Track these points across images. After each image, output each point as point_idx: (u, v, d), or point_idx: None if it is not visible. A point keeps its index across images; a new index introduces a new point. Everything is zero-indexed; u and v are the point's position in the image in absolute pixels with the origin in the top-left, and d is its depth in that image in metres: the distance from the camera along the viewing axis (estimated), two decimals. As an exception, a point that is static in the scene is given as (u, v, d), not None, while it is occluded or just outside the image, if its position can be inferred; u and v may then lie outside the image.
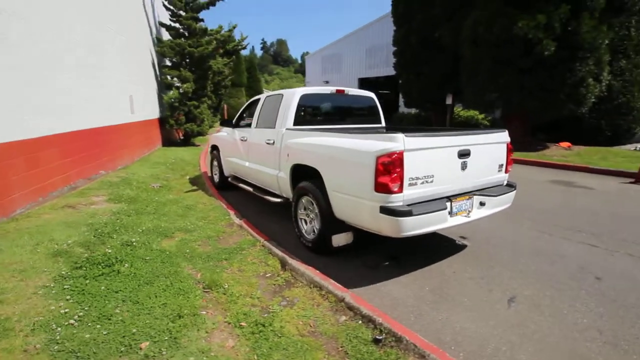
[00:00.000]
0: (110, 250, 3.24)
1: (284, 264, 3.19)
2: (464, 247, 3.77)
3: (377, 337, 2.17)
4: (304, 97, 4.22)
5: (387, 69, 24.04)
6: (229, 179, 5.98)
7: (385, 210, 2.66)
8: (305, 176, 3.73)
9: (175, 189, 6.24)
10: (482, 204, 3.23)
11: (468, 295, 2.81)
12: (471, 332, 2.33)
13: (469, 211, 3.11)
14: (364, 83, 27.30)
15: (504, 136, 3.49)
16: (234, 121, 5.65)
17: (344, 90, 4.62)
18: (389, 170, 2.62)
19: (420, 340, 2.07)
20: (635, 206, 5.35)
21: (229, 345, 2.13)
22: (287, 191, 4.11)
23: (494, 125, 13.04)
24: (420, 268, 3.28)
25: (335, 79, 28.41)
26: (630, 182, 6.79)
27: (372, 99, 4.90)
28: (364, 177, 2.78)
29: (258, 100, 5.17)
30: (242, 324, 2.34)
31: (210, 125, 13.17)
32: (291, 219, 3.87)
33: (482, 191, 3.29)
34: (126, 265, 2.96)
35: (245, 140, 5.06)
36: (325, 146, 3.23)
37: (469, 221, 3.12)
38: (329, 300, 2.60)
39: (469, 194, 3.17)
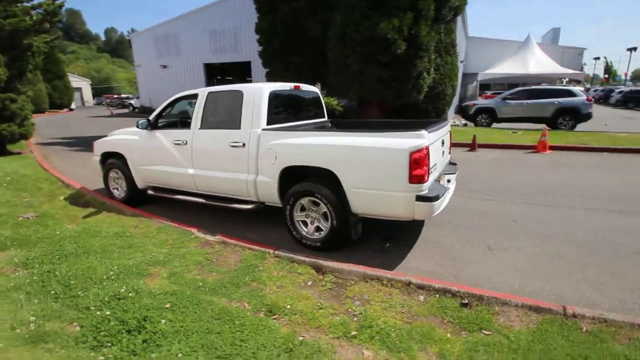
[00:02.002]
0: (110, 312, 2.38)
1: (318, 269, 3.15)
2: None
3: (463, 302, 2.59)
4: (272, 95, 3.99)
5: (235, 55, 23.55)
6: (148, 191, 4.96)
7: (421, 198, 3.05)
8: (296, 178, 3.66)
9: (65, 217, 4.70)
10: (448, 181, 4.03)
11: (463, 252, 3.57)
12: (492, 279, 3.05)
13: (448, 188, 3.86)
14: (210, 69, 25.80)
15: (449, 125, 4.38)
16: (149, 121, 4.67)
17: (299, 86, 4.59)
18: (420, 163, 3.00)
19: (495, 293, 2.62)
20: (492, 169, 7.57)
21: (368, 357, 2.12)
22: (268, 196, 3.89)
23: (349, 111, 14.98)
24: (414, 242, 3.86)
25: (175, 63, 25.76)
26: (467, 151, 9.43)
27: (317, 92, 5.03)
28: (396, 172, 3.05)
29: (194, 96, 4.46)
30: (353, 333, 2.32)
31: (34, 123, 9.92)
32: (268, 223, 3.72)
33: (446, 170, 4.10)
34: (162, 321, 2.28)
35: (185, 144, 4.33)
36: (342, 146, 3.28)
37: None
38: (395, 287, 2.83)
39: (444, 174, 3.91)
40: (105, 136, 5.60)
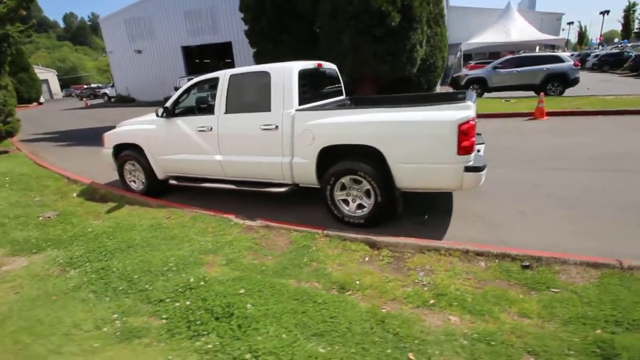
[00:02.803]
0: (190, 302, 2.37)
1: (372, 244, 3.20)
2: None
3: (523, 264, 2.72)
4: (300, 74, 3.90)
5: (213, 36, 22.70)
6: (170, 182, 4.84)
7: (469, 168, 3.11)
8: (332, 157, 3.65)
9: (87, 213, 4.55)
10: (478, 151, 4.11)
11: (500, 219, 3.70)
12: (537, 241, 3.19)
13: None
14: (188, 52, 24.78)
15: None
16: (166, 109, 4.50)
17: (322, 64, 4.49)
18: (468, 134, 3.04)
19: (552, 254, 2.75)
20: (498, 138, 7.73)
21: (456, 322, 2.21)
22: (304, 177, 3.87)
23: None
24: (449, 213, 3.96)
25: (150, 48, 24.63)
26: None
27: (336, 70, 4.95)
28: (445, 145, 3.09)
29: (213, 80, 4.30)
30: (431, 301, 2.40)
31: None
32: (299, 204, 3.72)
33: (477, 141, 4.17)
34: (248, 306, 2.29)
35: (210, 130, 4.21)
36: (387, 122, 3.26)
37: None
38: (454, 256, 2.93)
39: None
40: (113, 127, 5.38)
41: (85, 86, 45.70)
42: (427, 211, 4.00)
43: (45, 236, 3.77)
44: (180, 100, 4.56)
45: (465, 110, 3.06)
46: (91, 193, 5.35)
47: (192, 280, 2.64)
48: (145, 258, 3.08)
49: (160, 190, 5.10)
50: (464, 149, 3.06)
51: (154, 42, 24.22)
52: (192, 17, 22.51)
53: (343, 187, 3.70)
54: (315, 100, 4.31)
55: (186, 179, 4.74)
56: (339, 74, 5.01)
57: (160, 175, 4.88)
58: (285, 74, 3.82)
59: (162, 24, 23.45)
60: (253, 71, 4.07)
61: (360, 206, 3.69)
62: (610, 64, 28.37)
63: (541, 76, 12.70)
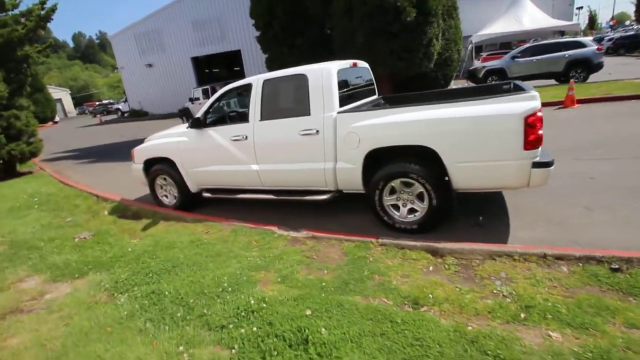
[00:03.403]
0: (257, 328, 2.18)
1: (434, 252, 2.97)
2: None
3: (612, 267, 2.45)
4: (339, 74, 3.71)
5: (222, 45, 22.79)
6: (204, 194, 4.69)
7: (537, 164, 2.86)
8: (378, 161, 3.43)
9: (122, 232, 4.43)
10: None
11: (563, 216, 3.42)
12: (615, 239, 2.91)
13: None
14: (197, 63, 24.95)
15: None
16: (197, 120, 4.35)
17: (357, 63, 4.30)
18: (535, 127, 2.79)
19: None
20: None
21: (558, 338, 1.96)
22: (349, 183, 3.66)
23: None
24: (504, 212, 3.70)
25: (160, 61, 24.87)
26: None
27: (369, 69, 4.74)
28: (510, 140, 2.84)
29: (246, 87, 4.14)
30: (522, 315, 2.16)
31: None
32: (340, 210, 3.55)
33: None
34: (322, 330, 2.09)
35: (245, 139, 4.04)
36: (442, 119, 3.03)
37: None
38: (530, 261, 2.67)
39: None
40: (134, 142, 5.27)
41: (97, 103, 46.56)
42: (479, 211, 3.75)
43: (84, 259, 3.65)
44: (211, 109, 4.41)
45: (532, 101, 2.81)
46: (123, 210, 5.25)
47: (252, 301, 2.46)
48: (195, 278, 2.91)
49: (194, 203, 4.96)
50: (531, 144, 2.81)
51: (164, 55, 24.45)
52: (200, 27, 22.66)
53: (392, 192, 3.48)
54: (352, 101, 4.10)
55: (221, 190, 4.59)
56: (371, 72, 4.80)
57: (193, 188, 4.74)
58: (324, 75, 3.63)
59: (171, 36, 23.66)
60: (288, 74, 3.89)
61: (411, 211, 3.46)
62: (627, 46, 27.50)
63: (563, 63, 12.26)
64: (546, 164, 2.87)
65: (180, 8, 22.74)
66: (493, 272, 2.65)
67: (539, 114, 2.79)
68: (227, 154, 4.22)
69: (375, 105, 4.45)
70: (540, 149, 2.89)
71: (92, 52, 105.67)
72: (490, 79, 13.40)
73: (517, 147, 2.84)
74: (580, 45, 12.24)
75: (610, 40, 29.73)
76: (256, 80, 4.04)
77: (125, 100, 29.63)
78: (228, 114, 4.45)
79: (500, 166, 2.95)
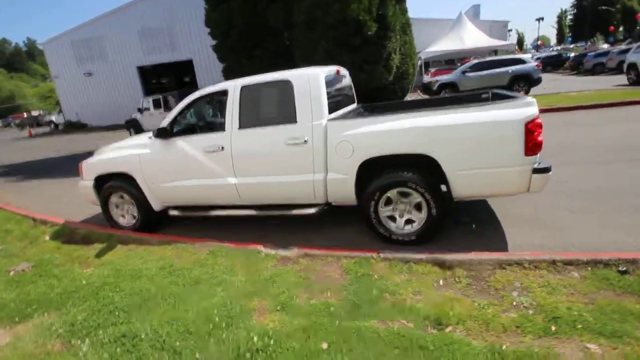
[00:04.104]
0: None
1: (441, 264, 2.80)
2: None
3: (620, 269, 2.45)
4: (327, 81, 3.48)
5: (172, 54, 21.76)
6: (171, 212, 4.15)
7: (537, 170, 2.84)
8: (375, 169, 3.25)
9: (70, 261, 3.74)
10: None
11: (552, 220, 3.47)
12: (606, 240, 2.97)
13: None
14: (144, 72, 23.48)
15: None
16: (163, 129, 3.84)
17: (340, 70, 4.11)
18: (535, 133, 2.78)
19: (647, 255, 2.51)
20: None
21: (597, 350, 1.84)
22: (340, 195, 3.42)
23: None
24: (494, 218, 3.69)
25: (102, 69, 23.06)
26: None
27: (349, 77, 4.59)
28: (511, 146, 2.80)
29: (221, 93, 3.76)
30: (553, 328, 2.03)
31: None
32: (326, 223, 3.43)
33: None
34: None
35: (222, 150, 3.64)
36: (442, 126, 2.91)
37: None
38: (541, 268, 2.59)
39: None
40: (82, 156, 4.59)
41: (25, 114, 41.81)
42: (469, 217, 3.71)
43: (25, 297, 2.96)
44: (178, 118, 3.94)
45: (530, 107, 2.80)
46: (68, 234, 4.48)
47: (254, 338, 2.07)
48: (175, 314, 2.44)
49: (157, 223, 4.38)
50: (532, 149, 2.79)
51: (105, 63, 22.66)
52: (147, 35, 21.38)
53: (388, 202, 3.29)
54: (336, 109, 3.89)
55: (191, 208, 4.09)
56: (351, 80, 4.66)
57: (157, 206, 4.17)
58: (311, 81, 3.39)
59: (115, 44, 22.04)
60: (269, 80, 3.58)
61: (408, 221, 3.29)
62: (552, 64, 30.94)
63: (507, 78, 13.29)
64: (545, 170, 2.86)
65: (124, 15, 21.32)
66: (507, 283, 2.53)
67: (539, 120, 2.79)
68: (200, 166, 3.77)
69: (359, 113, 4.30)
70: (539, 155, 2.89)
71: (19, 60, 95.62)
72: (443, 91, 14.12)
73: (518, 153, 2.80)
74: (522, 62, 13.40)
75: (537, 59, 33.25)
76: (232, 86, 3.68)
77: (60, 112, 26.90)
78: (201, 122, 4.01)
79: (501, 173, 2.89)
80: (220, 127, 3.72)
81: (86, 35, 22.32)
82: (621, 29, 39.30)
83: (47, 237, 4.47)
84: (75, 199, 5.43)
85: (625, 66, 14.80)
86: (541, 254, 2.73)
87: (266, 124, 3.56)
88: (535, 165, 2.85)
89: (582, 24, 40.68)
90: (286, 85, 3.44)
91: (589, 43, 36.72)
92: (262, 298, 2.61)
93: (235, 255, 3.33)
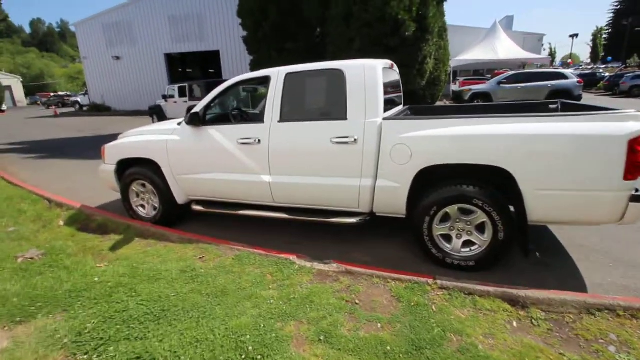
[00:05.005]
0: None
1: (513, 301, 2.34)
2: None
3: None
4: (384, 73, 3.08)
5: (200, 44, 21.67)
6: (195, 207, 3.81)
7: (636, 197, 2.36)
8: (430, 181, 2.82)
9: (83, 251, 3.43)
10: None
11: (631, 254, 2.97)
12: None
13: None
14: (171, 60, 23.52)
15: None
16: (194, 115, 3.49)
17: (393, 65, 3.71)
18: (639, 154, 2.30)
19: None
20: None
21: None
22: (389, 205, 3.00)
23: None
24: (559, 246, 3.21)
25: (130, 54, 23.20)
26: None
27: (397, 72, 4.17)
28: (608, 166, 2.33)
29: (262, 80, 3.40)
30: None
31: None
32: (366, 236, 2.92)
33: None
34: None
35: (258, 144, 3.27)
36: (523, 136, 2.46)
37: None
38: (638, 318, 2.13)
39: None
40: (106, 139, 4.30)
41: (52, 94, 42.74)
42: (530, 244, 3.23)
43: (31, 291, 2.64)
44: (212, 104, 3.59)
45: (636, 121, 2.32)
46: (84, 221, 4.19)
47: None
48: (199, 333, 2.06)
49: (177, 218, 4.05)
50: (633, 172, 2.32)
51: (134, 48, 22.78)
52: (177, 22, 21.36)
53: (444, 219, 2.86)
54: (386, 109, 3.48)
55: (217, 204, 3.73)
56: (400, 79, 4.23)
57: (180, 199, 3.84)
58: (367, 73, 2.98)
59: (144, 29, 22.12)
60: (318, 69, 3.19)
61: (467, 243, 2.85)
62: (585, 83, 29.65)
63: (546, 92, 12.61)
64: (649, 198, 2.38)
65: (156, 1, 21.36)
66: (599, 333, 2.07)
67: (645, 137, 2.31)
68: (232, 159, 3.40)
69: (414, 115, 3.88)
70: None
71: (51, 40, 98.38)
72: (476, 101, 13.51)
73: (616, 176, 2.33)
74: (563, 76, 12.69)
75: (579, 75, 32.04)
76: (277, 72, 3.30)
77: (86, 93, 27.25)
78: (237, 111, 3.65)
79: (592, 197, 2.41)
80: (259, 118, 3.36)
81: (117, 19, 22.48)
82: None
83: (62, 222, 4.19)
84: (95, 182, 5.18)
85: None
86: (637, 300, 2.25)
87: (311, 118, 3.18)
88: (634, 192, 2.37)
89: (619, 44, 39.07)
90: (338, 76, 3.05)
91: (626, 64, 35.21)
92: (300, 322, 2.21)
93: (264, 264, 2.95)
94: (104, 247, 3.49)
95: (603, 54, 41.10)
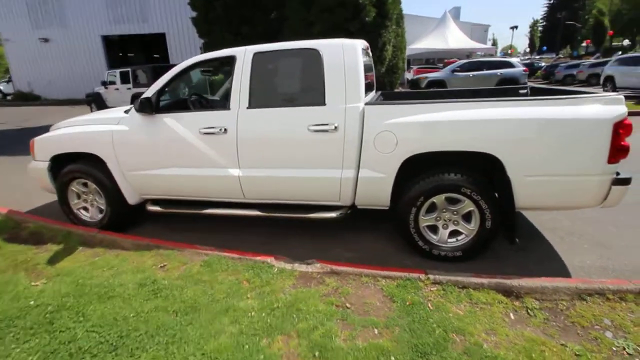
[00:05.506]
0: None
1: (507, 292, 2.27)
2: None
3: None
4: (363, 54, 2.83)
5: (142, 25, 19.93)
6: (149, 208, 3.34)
7: (618, 180, 2.37)
8: (414, 170, 2.67)
9: (13, 265, 2.85)
10: None
11: (606, 237, 3.08)
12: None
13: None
14: (109, 43, 21.39)
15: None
16: (146, 101, 3.00)
17: (368, 46, 3.46)
18: (622, 136, 2.30)
19: None
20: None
21: None
22: (371, 197, 2.81)
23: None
24: (535, 231, 3.25)
25: (61, 36, 20.75)
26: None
27: (370, 55, 3.94)
28: (594, 150, 2.31)
29: (226, 60, 3.00)
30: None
31: None
32: (344, 230, 2.78)
33: None
34: None
35: (224, 133, 2.88)
36: (513, 120, 2.35)
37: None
38: (628, 300, 2.14)
39: None
40: (36, 132, 3.64)
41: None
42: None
43: (-60, 324, 2.09)
44: (167, 89, 3.12)
45: (619, 105, 2.31)
46: (12, 229, 3.52)
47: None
48: (170, 363, 1.72)
49: (129, 220, 3.55)
50: (616, 156, 2.32)
51: (65, 29, 20.29)
52: (115, 1, 19.33)
53: (430, 209, 2.72)
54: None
55: (177, 203, 3.30)
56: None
57: (132, 199, 3.34)
58: (347, 53, 2.71)
59: (77, 8, 19.74)
60: (291, 48, 2.87)
61: (453, 234, 2.75)
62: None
63: (495, 80, 13.23)
64: (626, 181, 2.40)
65: (89, -24, 19.13)
66: (594, 319, 2.05)
67: (627, 121, 2.31)
68: (193, 152, 2.99)
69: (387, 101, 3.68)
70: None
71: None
72: (432, 89, 13.84)
73: (601, 160, 2.32)
74: (511, 65, 13.38)
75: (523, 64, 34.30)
76: (243, 52, 2.92)
77: (9, 80, 24.00)
78: (196, 96, 3.21)
79: (578, 181, 2.39)
80: (223, 104, 2.98)
81: (43, -4, 19.84)
82: (583, 44, 41.51)
83: (-18, 232, 3.49)
84: (25, 182, 4.43)
85: (602, 78, 15.28)
86: (623, 282, 2.28)
87: (284, 103, 2.86)
88: (619, 176, 2.39)
89: (553, 36, 42.50)
90: (313, 56, 2.75)
91: (559, 55, 38.43)
92: (288, 336, 1.94)
93: (238, 268, 2.63)
94: (40, 261, 2.92)
95: (539, 44, 44.66)
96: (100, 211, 3.47)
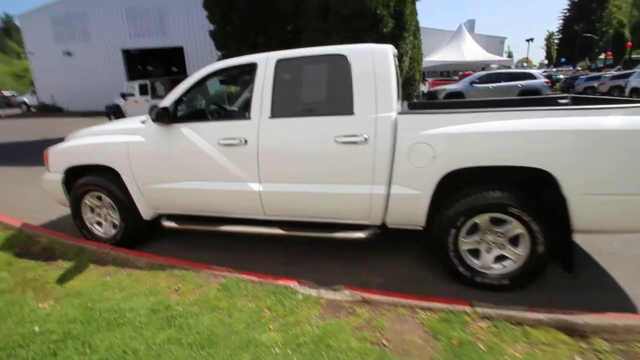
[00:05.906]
0: None
1: (569, 330, 1.95)
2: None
3: None
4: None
5: (162, 39, 20.36)
6: (165, 223, 3.15)
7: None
8: (452, 187, 2.41)
9: (23, 284, 2.70)
10: None
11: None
12: None
13: None
14: (129, 57, 21.94)
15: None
16: (164, 111, 2.84)
17: (396, 53, 3.25)
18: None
19: None
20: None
21: None
22: (405, 216, 2.55)
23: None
24: (584, 251, 2.91)
25: (83, 50, 21.37)
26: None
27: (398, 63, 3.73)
28: (669, 166, 2.01)
29: (247, 68, 2.83)
30: None
31: None
32: (371, 252, 2.57)
33: None
34: None
35: (244, 144, 2.69)
36: (569, 132, 2.09)
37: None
38: None
39: None
40: (61, 140, 3.53)
41: (-6, 93, 38.67)
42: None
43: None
44: (185, 98, 2.96)
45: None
46: (24, 243, 3.39)
47: None
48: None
49: (143, 236, 3.38)
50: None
51: (88, 43, 20.96)
52: (136, 16, 19.88)
53: (472, 231, 2.44)
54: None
55: (193, 219, 3.10)
56: (398, 70, 3.80)
57: (147, 214, 3.16)
58: (377, 59, 2.51)
59: (99, 22, 20.39)
60: (317, 55, 2.68)
61: (499, 259, 2.45)
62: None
63: (516, 91, 12.87)
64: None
65: (113, -8, 19.78)
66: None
67: (703, 133, 2.01)
68: (211, 164, 2.80)
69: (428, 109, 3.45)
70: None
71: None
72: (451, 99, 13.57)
73: (675, 176, 2.02)
74: (532, 77, 13.01)
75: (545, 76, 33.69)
76: (265, 59, 2.74)
77: (33, 93, 24.83)
78: (215, 105, 3.05)
79: (644, 201, 2.09)
80: (243, 113, 2.79)
81: (68, 11, 20.55)
82: (602, 56, 40.59)
83: (-7, 247, 3.37)
84: (41, 194, 4.34)
85: (627, 90, 14.75)
86: None
87: (309, 113, 2.66)
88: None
89: (570, 48, 41.77)
90: (341, 63, 2.55)
91: (577, 67, 37.68)
92: (318, 379, 1.68)
93: (259, 294, 2.39)
94: (50, 279, 2.75)
95: (556, 57, 43.92)
96: (114, 226, 3.31)
